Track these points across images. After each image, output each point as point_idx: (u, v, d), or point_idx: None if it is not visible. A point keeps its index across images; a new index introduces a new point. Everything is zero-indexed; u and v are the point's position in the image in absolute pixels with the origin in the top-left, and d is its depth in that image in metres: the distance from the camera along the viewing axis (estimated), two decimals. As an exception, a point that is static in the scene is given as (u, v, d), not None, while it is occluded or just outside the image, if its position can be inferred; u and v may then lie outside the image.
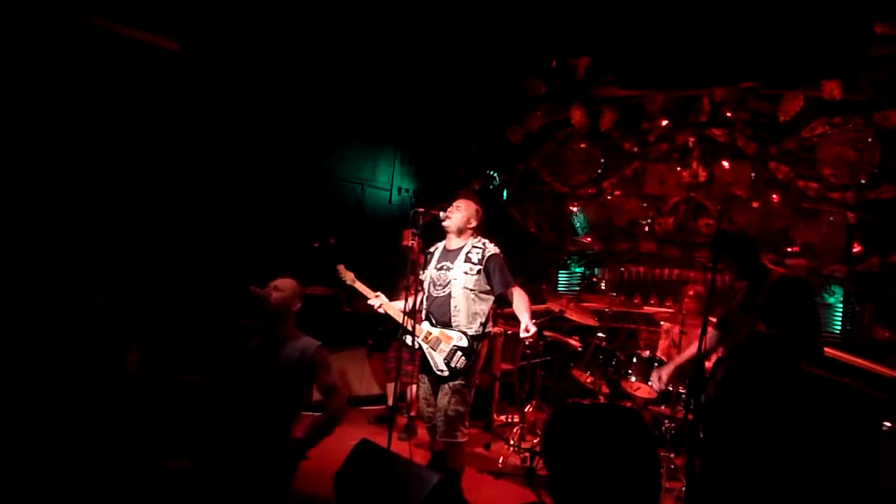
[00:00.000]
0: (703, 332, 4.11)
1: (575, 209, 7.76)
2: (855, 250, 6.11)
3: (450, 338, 4.31)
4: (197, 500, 3.46)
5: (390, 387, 6.23)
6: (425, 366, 4.45)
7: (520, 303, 4.37)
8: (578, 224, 7.69)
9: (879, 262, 5.94)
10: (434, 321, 4.42)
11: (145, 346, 4.52)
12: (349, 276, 4.78)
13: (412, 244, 5.26)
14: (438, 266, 4.48)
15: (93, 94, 5.29)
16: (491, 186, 8.28)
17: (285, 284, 3.85)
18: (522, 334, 4.29)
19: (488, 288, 4.37)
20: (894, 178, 5.87)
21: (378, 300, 4.59)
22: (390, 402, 6.27)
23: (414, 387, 5.47)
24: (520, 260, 7.92)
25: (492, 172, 8.27)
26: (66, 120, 5.16)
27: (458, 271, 4.35)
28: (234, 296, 3.89)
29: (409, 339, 4.37)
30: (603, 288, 7.45)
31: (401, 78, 7.14)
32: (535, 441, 5.58)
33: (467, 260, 4.36)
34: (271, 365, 3.68)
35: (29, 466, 3.68)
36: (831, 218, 6.25)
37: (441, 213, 4.44)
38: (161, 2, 5.37)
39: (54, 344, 4.33)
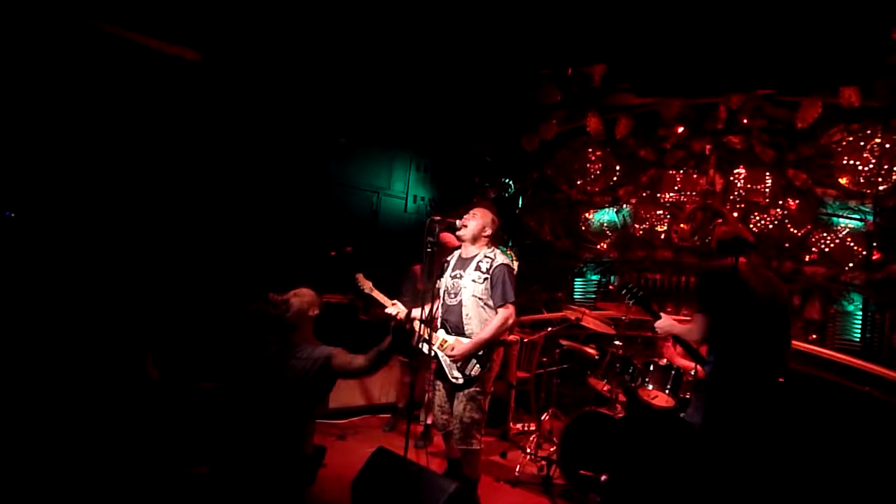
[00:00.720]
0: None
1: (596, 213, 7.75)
2: (874, 258, 6.05)
3: (463, 345, 4.33)
4: (215, 505, 3.49)
5: (402, 392, 6.24)
6: (440, 373, 4.47)
7: (491, 325, 4.30)
8: (608, 218, 7.64)
9: (898, 269, 5.88)
10: (449, 329, 4.45)
11: (164, 353, 4.56)
12: (367, 285, 4.82)
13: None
14: (452, 274, 4.53)
15: (113, 103, 5.36)
16: (506, 194, 8.29)
17: (304, 292, 3.89)
18: (390, 310, 4.48)
19: None
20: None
21: (395, 308, 4.64)
22: (401, 405, 6.27)
23: (430, 394, 5.48)
24: (535, 268, 7.92)
25: (507, 180, 8.28)
26: (85, 128, 5.24)
27: (468, 279, 4.40)
28: (250, 305, 3.93)
29: (425, 348, 4.38)
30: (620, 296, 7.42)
31: (416, 86, 7.18)
32: (551, 449, 5.57)
33: (477, 269, 4.41)
34: (287, 372, 3.71)
35: (49, 471, 3.73)
36: (849, 225, 6.19)
37: (457, 222, 4.47)
38: (183, 13, 5.43)
39: (74, 350, 4.39)
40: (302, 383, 3.66)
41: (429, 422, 5.82)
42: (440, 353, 4.41)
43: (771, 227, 6.56)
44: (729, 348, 3.89)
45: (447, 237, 5.66)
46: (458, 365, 4.32)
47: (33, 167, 4.94)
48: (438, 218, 4.35)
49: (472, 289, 4.37)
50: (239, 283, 5.47)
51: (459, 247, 4.67)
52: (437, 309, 4.54)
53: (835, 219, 6.25)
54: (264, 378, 3.72)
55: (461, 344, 4.33)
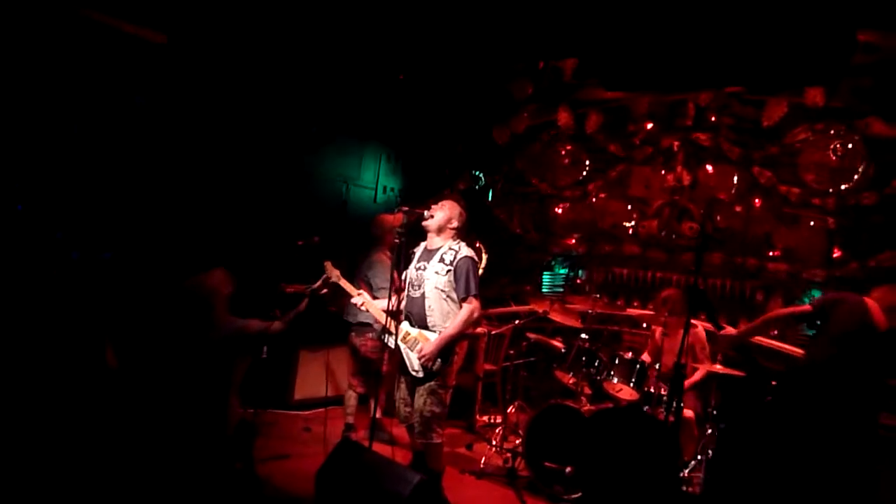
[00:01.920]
0: (686, 334, 4.15)
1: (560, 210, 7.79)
2: (835, 255, 6.16)
3: (427, 339, 4.32)
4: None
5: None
6: (402, 366, 4.46)
7: (456, 319, 4.28)
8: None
9: (859, 267, 6.00)
10: (413, 322, 4.43)
11: (124, 343, 4.48)
12: (335, 273, 4.77)
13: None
14: (417, 266, 4.50)
15: (78, 86, 5.23)
16: (477, 187, 8.28)
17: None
18: (356, 299, 4.54)
19: None
20: (876, 184, 5.93)
21: (360, 298, 4.61)
22: (359, 390, 6.02)
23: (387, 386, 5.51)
24: (504, 260, 7.94)
25: (477, 173, 8.27)
26: (51, 111, 5.11)
27: (430, 271, 4.38)
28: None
29: (389, 340, 4.37)
30: (587, 290, 7.48)
31: (387, 76, 7.12)
32: (517, 442, 5.59)
33: (441, 260, 4.38)
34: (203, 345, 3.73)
35: (19, 466, 3.66)
36: (812, 223, 6.30)
37: (425, 212, 4.45)
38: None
39: (35, 343, 4.30)
40: (213, 353, 3.68)
41: (378, 415, 5.61)
42: (402, 346, 4.39)
43: (735, 223, 6.66)
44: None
45: (386, 217, 5.65)
46: (420, 360, 4.31)
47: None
48: (407, 208, 4.35)
49: (434, 280, 4.34)
50: (203, 272, 5.38)
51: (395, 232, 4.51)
52: (400, 301, 4.51)
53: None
54: (180, 352, 3.74)
55: (427, 341, 4.30)
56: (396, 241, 4.32)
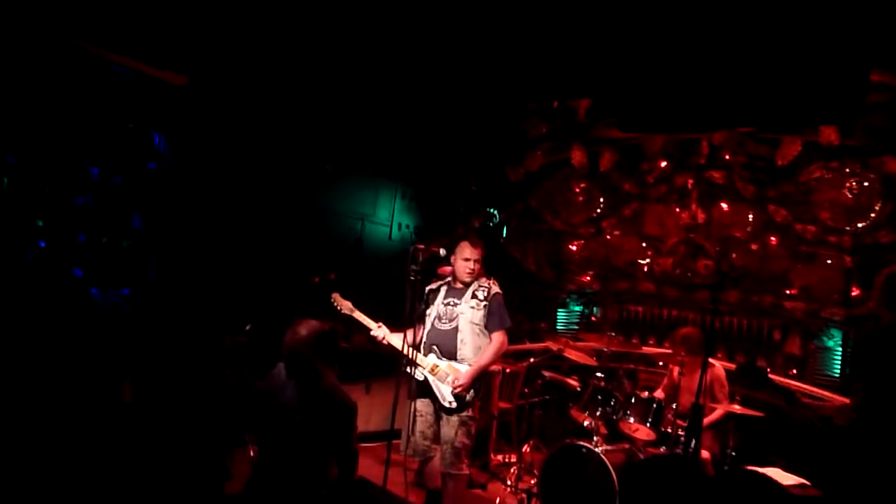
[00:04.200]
0: (703, 373, 4.11)
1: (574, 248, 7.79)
2: (854, 294, 6.10)
3: (458, 370, 4.36)
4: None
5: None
6: (426, 398, 4.48)
7: (489, 350, 4.46)
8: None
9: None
10: (439, 354, 4.47)
11: (143, 378, 4.50)
12: (346, 305, 4.69)
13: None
14: (445, 302, 4.62)
15: (99, 126, 5.35)
16: (491, 224, 8.31)
17: (300, 329, 3.81)
18: (375, 332, 4.50)
19: None
20: (893, 222, 5.90)
21: (381, 331, 4.58)
22: None
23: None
24: (519, 298, 7.92)
25: (492, 210, 8.31)
26: (70, 150, 5.22)
27: (465, 306, 4.52)
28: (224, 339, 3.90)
29: (412, 371, 4.41)
30: (602, 327, 7.43)
31: (403, 115, 7.22)
32: (532, 482, 5.52)
33: (474, 296, 4.54)
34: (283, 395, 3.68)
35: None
36: (829, 261, 6.26)
37: (441, 250, 4.50)
38: (170, 37, 5.45)
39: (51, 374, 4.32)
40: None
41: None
42: (431, 378, 4.41)
43: (751, 261, 6.62)
44: None
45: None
46: (454, 390, 4.33)
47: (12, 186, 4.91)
48: (422, 246, 4.39)
49: (469, 315, 4.49)
50: (221, 310, 5.42)
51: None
52: (424, 335, 4.58)
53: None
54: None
55: (456, 369, 4.39)
56: (412, 277, 4.35)
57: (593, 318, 7.73)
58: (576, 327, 7.79)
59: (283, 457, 3.55)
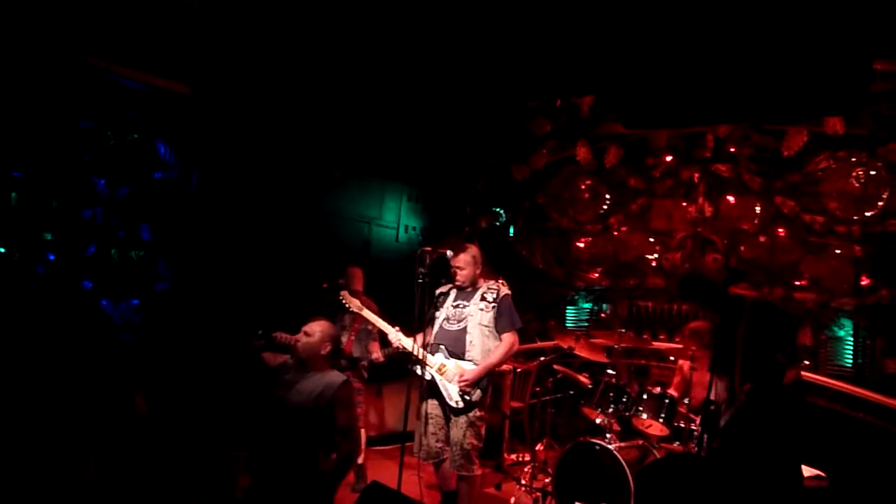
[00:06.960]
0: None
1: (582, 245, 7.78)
2: (863, 283, 6.07)
3: (465, 370, 4.38)
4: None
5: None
6: (435, 399, 4.50)
7: (499, 349, 4.49)
8: None
9: (889, 295, 5.90)
10: (447, 354, 4.48)
11: (155, 390, 4.53)
12: (355, 304, 4.76)
13: None
14: (455, 304, 4.65)
15: (104, 137, 5.38)
16: (497, 223, 8.31)
17: (314, 329, 3.86)
18: (392, 337, 4.59)
19: None
20: (901, 211, 5.86)
21: (397, 336, 4.63)
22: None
23: (364, 430, 5.53)
24: (528, 296, 7.91)
25: (498, 209, 8.31)
26: (76, 164, 5.25)
27: (474, 308, 4.55)
28: (252, 341, 3.92)
29: (421, 371, 4.45)
30: (612, 324, 7.41)
31: (408, 116, 7.22)
32: (546, 480, 5.52)
33: (483, 299, 4.57)
34: (295, 399, 3.69)
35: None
36: (838, 251, 6.23)
37: (447, 253, 4.52)
38: (173, 47, 5.47)
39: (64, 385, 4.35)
40: (308, 411, 3.64)
41: (360, 461, 5.43)
42: (438, 378, 4.43)
43: (760, 253, 6.59)
44: None
45: None
46: (461, 390, 4.35)
47: (22, 203, 4.94)
48: (430, 248, 4.42)
49: (479, 317, 4.52)
50: (231, 316, 5.44)
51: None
52: (432, 336, 4.62)
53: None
54: (274, 405, 3.71)
55: (463, 369, 4.40)
56: (420, 280, 4.38)
57: (603, 315, 7.71)
58: (586, 324, 7.77)
59: (283, 458, 3.58)
